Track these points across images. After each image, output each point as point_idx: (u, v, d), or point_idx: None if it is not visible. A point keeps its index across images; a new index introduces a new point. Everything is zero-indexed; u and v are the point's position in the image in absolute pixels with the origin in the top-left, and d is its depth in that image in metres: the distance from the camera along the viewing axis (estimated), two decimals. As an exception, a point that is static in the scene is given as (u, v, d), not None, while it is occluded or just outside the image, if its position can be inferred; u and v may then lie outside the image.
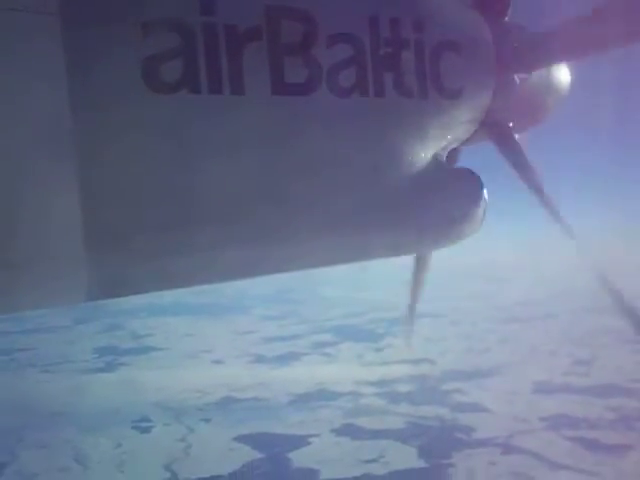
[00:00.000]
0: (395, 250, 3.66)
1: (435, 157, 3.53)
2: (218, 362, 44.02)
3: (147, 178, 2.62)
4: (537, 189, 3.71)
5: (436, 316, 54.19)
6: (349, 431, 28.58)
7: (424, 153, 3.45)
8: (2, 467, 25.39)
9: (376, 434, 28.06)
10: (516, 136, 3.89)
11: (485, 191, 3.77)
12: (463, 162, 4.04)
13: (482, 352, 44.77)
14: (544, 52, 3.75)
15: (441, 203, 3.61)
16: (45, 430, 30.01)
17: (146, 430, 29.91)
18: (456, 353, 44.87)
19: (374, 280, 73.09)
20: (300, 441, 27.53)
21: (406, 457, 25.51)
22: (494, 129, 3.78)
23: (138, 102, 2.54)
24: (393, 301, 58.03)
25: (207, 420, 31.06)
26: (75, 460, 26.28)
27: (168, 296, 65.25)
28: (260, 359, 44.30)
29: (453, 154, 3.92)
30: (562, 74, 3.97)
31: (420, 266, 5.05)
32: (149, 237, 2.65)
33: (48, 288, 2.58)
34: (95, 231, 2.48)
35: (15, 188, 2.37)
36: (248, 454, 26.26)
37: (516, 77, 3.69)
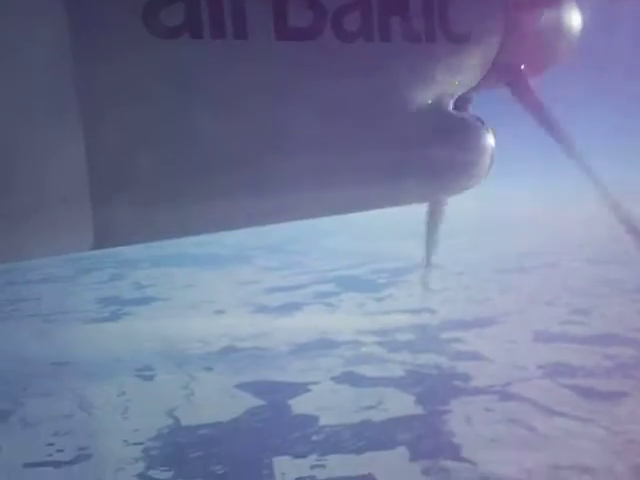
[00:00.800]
0: (399, 199, 3.63)
1: (442, 103, 3.47)
2: (220, 312, 44.44)
3: (149, 124, 2.60)
4: (555, 133, 3.67)
5: (438, 267, 54.49)
6: (349, 379, 29.02)
7: (431, 99, 3.38)
8: (7, 415, 25.91)
9: (375, 382, 28.49)
10: (530, 80, 3.81)
11: (492, 139, 3.71)
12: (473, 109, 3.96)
13: (482, 302, 45.10)
14: None
15: (447, 150, 3.56)
16: (49, 379, 30.53)
17: (149, 378, 30.40)
18: (456, 303, 45.19)
19: (377, 231, 73.32)
20: (300, 388, 27.97)
21: (404, 404, 25.94)
22: (506, 73, 3.70)
23: (140, 47, 2.50)
24: (395, 252, 58.04)
25: (209, 369, 31.51)
26: (80, 407, 26.78)
27: (170, 247, 65.55)
28: (262, 309, 44.69)
29: (465, 100, 3.85)
30: (573, 15, 3.85)
31: (435, 216, 5.02)
32: (152, 185, 2.64)
33: (54, 236, 2.59)
34: (99, 179, 2.48)
35: (19, 134, 2.35)
36: (249, 401, 26.72)
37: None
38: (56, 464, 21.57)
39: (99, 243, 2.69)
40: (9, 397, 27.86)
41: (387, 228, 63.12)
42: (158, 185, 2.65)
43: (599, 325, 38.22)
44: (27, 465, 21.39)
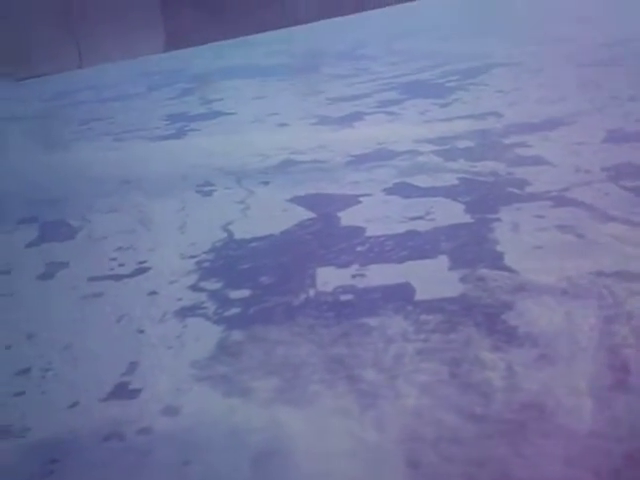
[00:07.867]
0: None
1: None
2: (283, 125, 43.81)
3: None
4: None
5: (511, 64, 50.84)
6: (400, 190, 28.39)
7: None
8: (75, 231, 27.40)
9: (426, 192, 27.77)
10: None
11: None
12: None
13: (556, 101, 42.00)
14: None
15: None
16: (114, 196, 31.70)
17: (208, 194, 30.95)
18: (528, 103, 42.38)
19: (455, 30, 68.45)
20: (351, 200, 27.76)
21: (453, 213, 25.32)
22: None
23: None
24: (471, 51, 55.03)
25: (266, 183, 31.65)
26: (140, 223, 27.93)
27: (239, 58, 63.87)
28: (323, 120, 43.64)
29: None
30: None
31: None
32: None
33: (128, 38, 2.38)
34: None
35: None
36: (300, 214, 26.91)
37: None
38: (117, 277, 22.99)
39: (170, 44, 2.46)
40: (77, 215, 29.32)
41: (465, 26, 58.99)
42: None
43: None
44: (91, 279, 22.93)
